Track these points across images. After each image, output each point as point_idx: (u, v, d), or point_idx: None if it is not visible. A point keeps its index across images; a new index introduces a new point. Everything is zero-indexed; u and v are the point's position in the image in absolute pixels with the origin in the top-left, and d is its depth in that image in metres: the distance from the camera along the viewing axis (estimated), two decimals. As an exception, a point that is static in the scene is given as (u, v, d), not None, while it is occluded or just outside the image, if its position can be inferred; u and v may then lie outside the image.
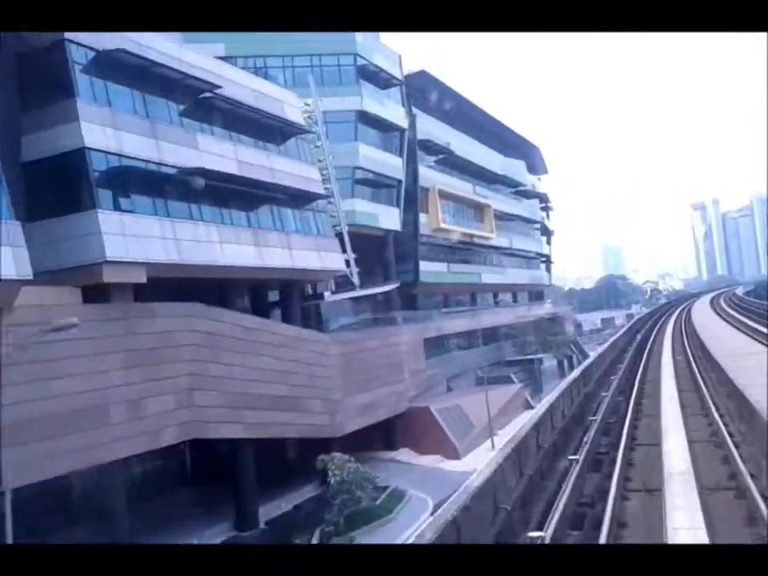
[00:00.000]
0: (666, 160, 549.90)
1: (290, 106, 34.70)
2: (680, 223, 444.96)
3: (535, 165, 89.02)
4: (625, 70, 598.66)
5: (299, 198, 33.31)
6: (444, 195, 57.80)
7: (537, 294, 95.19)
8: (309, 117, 37.37)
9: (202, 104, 28.93)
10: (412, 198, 53.31)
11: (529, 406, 58.35)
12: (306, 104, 37.62)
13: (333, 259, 34.84)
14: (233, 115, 30.65)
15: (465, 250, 63.12)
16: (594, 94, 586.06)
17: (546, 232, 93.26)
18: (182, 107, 28.05)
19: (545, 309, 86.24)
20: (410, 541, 8.91)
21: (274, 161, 32.22)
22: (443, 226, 56.71)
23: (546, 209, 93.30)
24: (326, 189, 36.69)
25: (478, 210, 66.77)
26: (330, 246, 34.71)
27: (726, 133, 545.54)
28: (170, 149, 26.21)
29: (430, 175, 56.25)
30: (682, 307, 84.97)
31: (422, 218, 54.81)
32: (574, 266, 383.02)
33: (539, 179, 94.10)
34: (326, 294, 35.82)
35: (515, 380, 60.23)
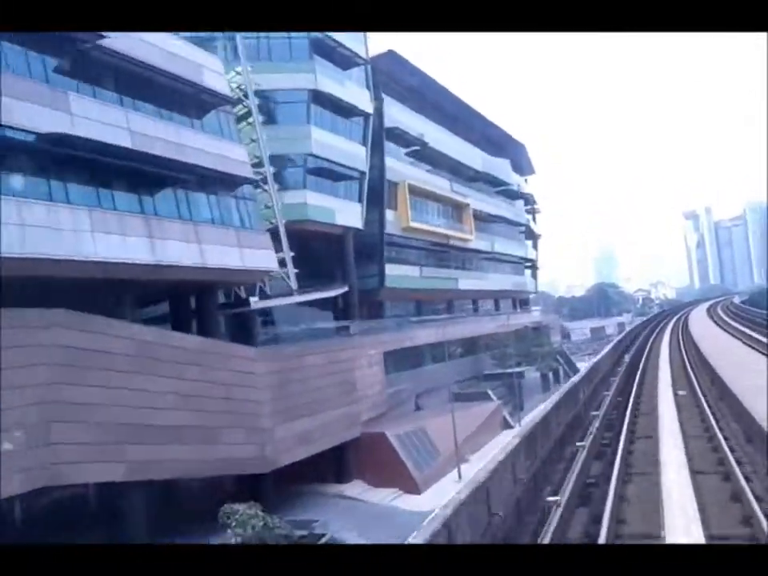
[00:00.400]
0: (658, 168, 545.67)
1: (211, 72, 28.45)
2: (672, 232, 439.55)
3: (521, 164, 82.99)
4: (614, 78, 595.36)
5: (217, 182, 27.08)
6: (415, 191, 51.66)
7: (522, 302, 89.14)
8: (238, 88, 31.19)
9: (81, 58, 22.74)
10: (377, 193, 47.14)
11: (507, 425, 52.24)
12: (237, 72, 31.46)
13: (260, 257, 28.54)
14: (129, 76, 24.48)
15: (440, 253, 56.97)
16: (583, 100, 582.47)
17: (532, 236, 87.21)
18: (50, 59, 21.84)
19: (529, 317, 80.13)
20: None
21: (184, 135, 25.99)
22: (414, 225, 50.53)
23: (532, 211, 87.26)
24: (257, 173, 30.55)
25: (456, 209, 60.65)
26: (256, 242, 28.39)
27: (719, 141, 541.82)
28: (23, 108, 19.95)
29: (399, 168, 50.06)
30: (677, 317, 78.79)
31: (390, 215, 48.63)
32: (566, 273, 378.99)
33: (526, 180, 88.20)
34: (253, 299, 29.47)
35: (493, 396, 54.04)
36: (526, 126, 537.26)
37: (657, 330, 66.95)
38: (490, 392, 54.20)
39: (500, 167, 71.01)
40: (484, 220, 66.23)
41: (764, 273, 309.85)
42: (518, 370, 61.99)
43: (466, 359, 59.31)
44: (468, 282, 61.33)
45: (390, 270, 48.17)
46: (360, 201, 44.34)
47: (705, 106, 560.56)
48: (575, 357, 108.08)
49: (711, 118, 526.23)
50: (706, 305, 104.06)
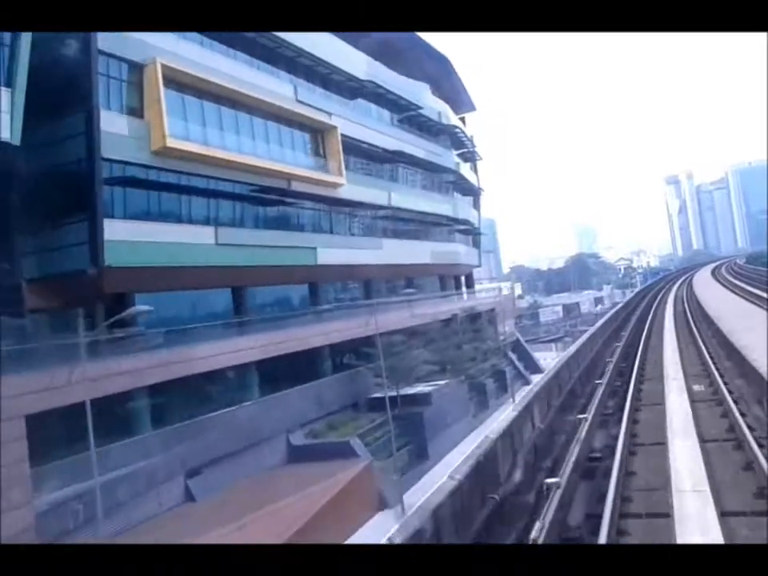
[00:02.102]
0: (638, 133, 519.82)
1: None
2: (654, 198, 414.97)
3: (454, 96, 58.14)
4: (592, 43, 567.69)
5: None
6: (191, 85, 27.16)
7: (467, 279, 64.85)
8: None
9: None
10: (81, 80, 22.66)
11: (383, 504, 27.97)
12: None
13: None
14: None
15: (270, 203, 32.47)
16: (562, 65, 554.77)
17: (471, 190, 62.53)
18: None
19: (466, 302, 55.77)
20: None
21: None
22: (178, 145, 25.81)
23: (469, 157, 62.51)
24: None
25: (311, 133, 36.07)
26: None
27: (699, 104, 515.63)
28: None
29: (144, 37, 25.31)
30: (675, 293, 54.37)
31: (120, 124, 24.15)
32: (548, 245, 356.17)
33: (463, 119, 63.48)
34: None
35: (358, 450, 29.87)
36: (504, 90, 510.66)
37: (654, 308, 42.63)
38: (354, 442, 29.96)
39: (404, 85, 46.04)
40: (371, 157, 41.64)
41: (747, 236, 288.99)
42: (424, 389, 37.82)
43: (341, 376, 35.17)
44: (336, 252, 36.69)
45: (125, 231, 23.69)
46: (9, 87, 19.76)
47: (684, 69, 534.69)
48: (539, 346, 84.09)
49: (691, 83, 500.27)
50: (708, 269, 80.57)
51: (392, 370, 35.25)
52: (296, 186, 33.49)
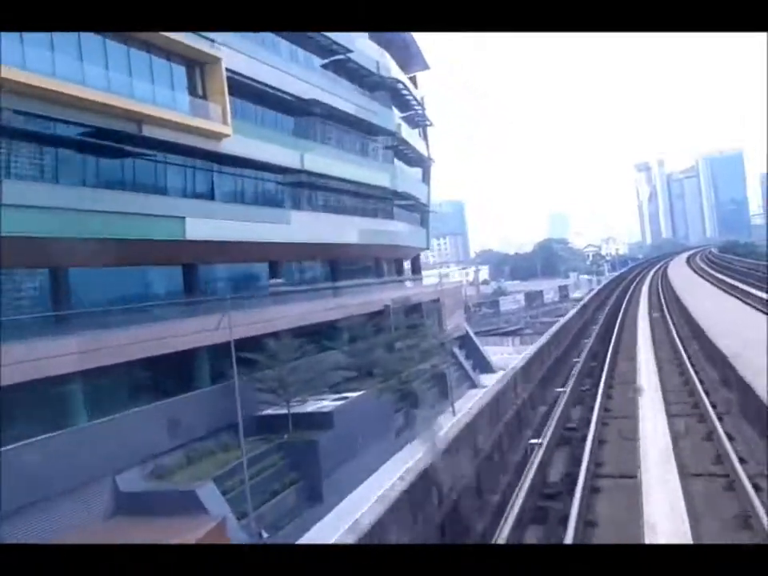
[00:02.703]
0: (611, 119, 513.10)
1: None
2: (625, 185, 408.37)
3: (403, 50, 49.04)
4: (564, 33, 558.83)
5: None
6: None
7: (407, 264, 56.32)
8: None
9: None
10: None
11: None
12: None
13: None
14: None
15: (100, 153, 23.39)
16: (541, 52, 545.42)
17: (419, 160, 53.70)
18: None
19: (403, 290, 47.19)
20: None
21: None
22: None
23: (418, 121, 53.61)
24: None
25: (187, 66, 26.98)
26: None
27: (671, 91, 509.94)
28: None
29: None
30: (648, 288, 45.76)
31: None
32: (520, 229, 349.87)
33: (414, 79, 54.56)
34: None
35: (207, 502, 21.32)
36: (482, 76, 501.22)
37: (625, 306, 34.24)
38: (204, 490, 21.38)
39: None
40: (278, 106, 32.63)
41: (716, 226, 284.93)
42: (326, 405, 29.32)
43: (218, 389, 26.39)
44: (218, 225, 27.59)
45: None
46: None
47: (657, 57, 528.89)
48: (495, 339, 76.01)
49: (662, 70, 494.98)
50: (682, 260, 73.32)
51: (285, 380, 26.61)
52: (152, 132, 24.35)
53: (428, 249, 57.24)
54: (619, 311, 31.19)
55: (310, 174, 34.07)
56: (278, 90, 31.55)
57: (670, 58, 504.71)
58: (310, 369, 27.36)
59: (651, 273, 58.09)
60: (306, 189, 34.72)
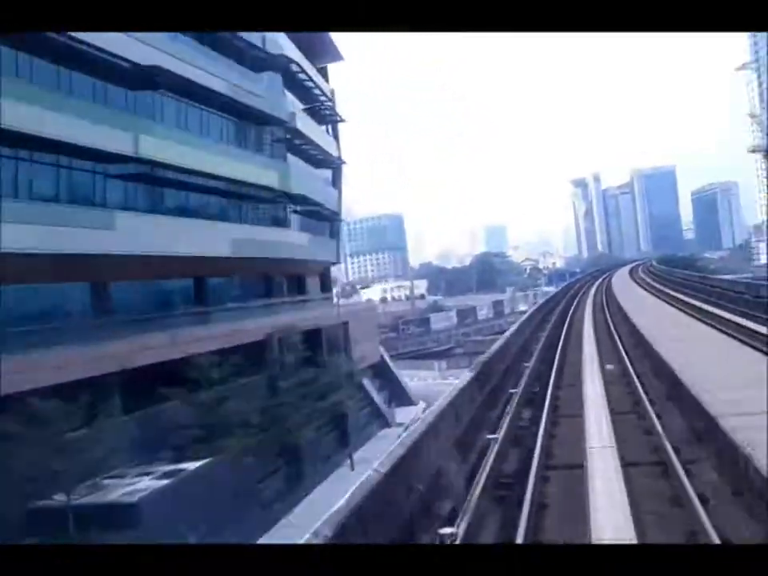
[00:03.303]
0: (550, 135, 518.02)
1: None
2: (562, 201, 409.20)
3: (312, 39, 40.82)
4: (511, 41, 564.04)
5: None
6: None
7: (322, 279, 47.94)
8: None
9: None
10: None
11: None
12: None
13: None
14: None
15: None
16: (481, 64, 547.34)
17: (326, 160, 45.54)
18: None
19: (301, 313, 38.71)
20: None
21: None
22: None
23: (324, 116, 45.56)
24: None
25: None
26: None
27: (607, 107, 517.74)
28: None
29: None
30: (592, 307, 38.13)
31: None
32: (460, 244, 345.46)
33: (324, 71, 46.61)
34: None
35: None
36: (426, 87, 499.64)
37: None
38: None
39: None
40: (106, 73, 24.09)
41: (650, 240, 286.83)
42: (132, 494, 20.47)
43: None
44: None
45: None
46: None
47: (592, 76, 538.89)
48: (420, 364, 68.28)
49: (600, 87, 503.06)
50: (625, 271, 67.51)
51: (58, 458, 17.83)
52: None
53: (338, 263, 48.86)
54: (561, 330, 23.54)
55: (152, 163, 25.46)
56: (97, 48, 22.91)
57: (608, 76, 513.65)
58: (110, 436, 18.66)
59: (593, 292, 51.19)
60: (145, 183, 26.05)
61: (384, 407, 41.96)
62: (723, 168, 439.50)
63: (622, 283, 53.29)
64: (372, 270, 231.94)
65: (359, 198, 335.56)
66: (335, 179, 47.60)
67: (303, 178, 39.69)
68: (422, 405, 48.05)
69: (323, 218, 45.03)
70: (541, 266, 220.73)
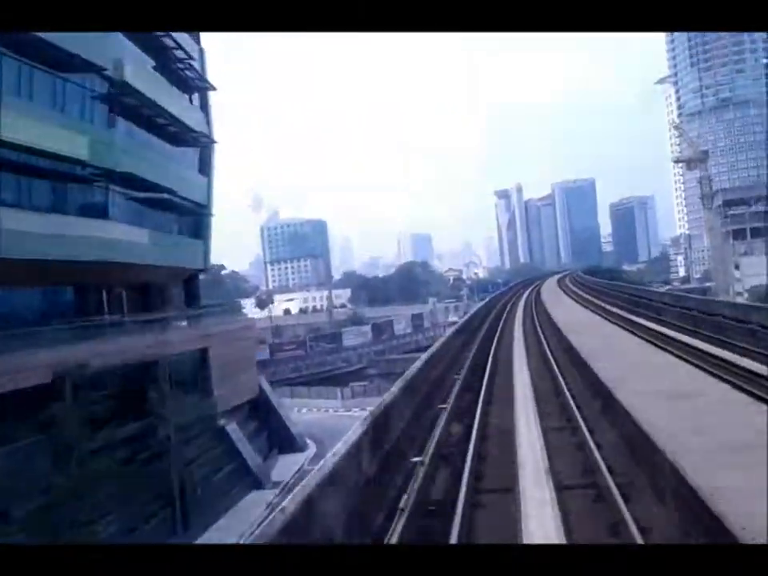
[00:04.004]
0: (473, 146, 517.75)
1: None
2: (486, 211, 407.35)
3: None
4: (431, 55, 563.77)
5: None
6: None
7: (188, 291, 36.95)
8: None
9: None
10: None
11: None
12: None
13: None
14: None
15: None
16: (401, 77, 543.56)
17: (189, 137, 34.63)
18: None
19: (137, 338, 27.56)
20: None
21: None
22: None
23: (189, 82, 34.71)
24: None
25: None
26: None
27: (530, 118, 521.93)
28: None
29: None
30: (522, 331, 28.79)
31: None
32: (388, 252, 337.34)
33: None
34: None
35: None
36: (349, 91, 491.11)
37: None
38: None
39: None
40: None
41: (570, 252, 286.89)
42: None
43: None
44: None
45: None
46: None
47: (514, 88, 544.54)
48: (321, 391, 57.68)
49: (524, 97, 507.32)
50: (553, 282, 59.46)
51: None
52: None
53: (205, 269, 37.78)
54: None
55: None
56: None
57: (533, 88, 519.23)
58: None
59: (521, 307, 42.01)
60: None
61: (256, 461, 31.23)
62: (640, 182, 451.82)
63: (554, 300, 44.28)
64: (293, 278, 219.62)
65: (282, 203, 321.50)
66: (204, 163, 36.69)
67: (140, 154, 28.63)
68: (312, 450, 37.65)
69: (183, 211, 34.06)
70: (464, 276, 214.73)
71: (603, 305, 36.34)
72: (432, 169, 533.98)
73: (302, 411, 50.75)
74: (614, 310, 32.38)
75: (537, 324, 28.86)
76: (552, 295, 49.89)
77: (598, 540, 6.55)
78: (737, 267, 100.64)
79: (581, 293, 50.59)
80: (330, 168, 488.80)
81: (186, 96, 35.21)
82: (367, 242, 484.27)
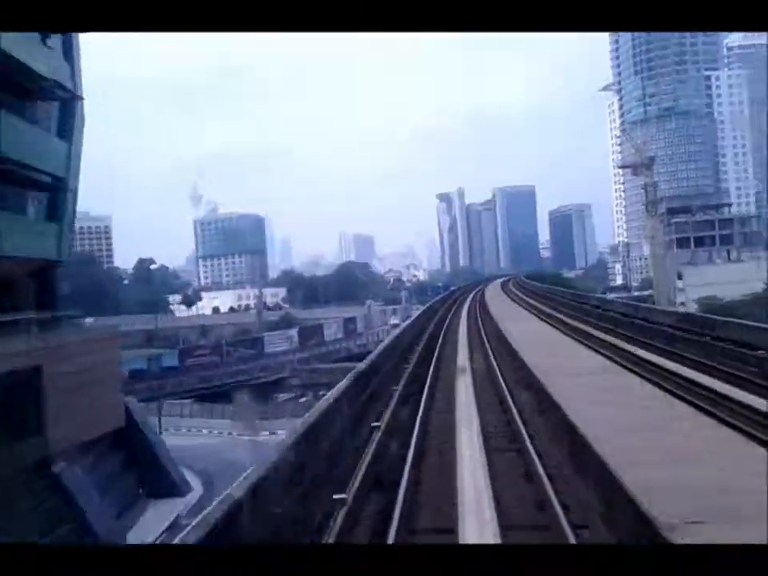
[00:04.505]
0: (416, 149, 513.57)
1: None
2: (428, 214, 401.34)
3: None
4: (383, 55, 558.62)
5: None
6: None
7: (43, 291, 28.15)
8: None
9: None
10: None
11: None
12: None
13: None
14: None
15: None
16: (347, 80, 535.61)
17: (42, 88, 26.19)
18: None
19: None
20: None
21: None
22: None
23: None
24: None
25: None
26: None
27: (473, 122, 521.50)
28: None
29: None
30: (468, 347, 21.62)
31: None
32: (330, 252, 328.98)
33: None
34: None
35: None
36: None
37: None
38: None
39: None
40: None
41: (510, 257, 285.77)
42: None
43: None
44: None
45: None
46: None
47: (459, 93, 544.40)
48: (221, 413, 49.17)
49: (466, 103, 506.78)
50: (497, 288, 53.25)
51: None
52: None
53: (60, 260, 29.04)
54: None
55: None
56: None
57: (477, 93, 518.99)
58: None
59: (464, 317, 34.89)
60: None
61: (103, 518, 22.90)
62: (579, 190, 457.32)
63: (503, 308, 37.40)
64: (227, 275, 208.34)
65: (222, 197, 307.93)
66: (64, 124, 28.14)
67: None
68: (196, 492, 29.61)
69: (26, 185, 25.49)
70: (405, 278, 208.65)
71: (559, 316, 29.89)
72: (377, 168, 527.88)
73: (201, 432, 42.55)
74: (575, 323, 25.98)
75: (485, 340, 21.86)
76: (499, 302, 43.16)
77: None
78: (680, 277, 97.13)
79: (530, 300, 44.13)
80: (273, 164, 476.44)
81: (37, 36, 26.59)
82: (309, 241, 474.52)
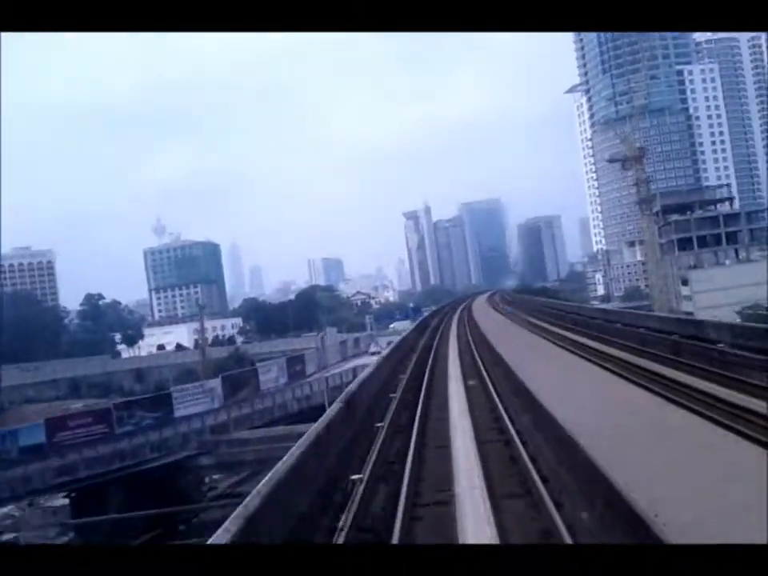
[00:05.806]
0: (380, 167, 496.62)
1: None
2: (396, 234, 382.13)
3: None
4: (346, 70, 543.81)
5: None
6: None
7: None
8: None
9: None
10: None
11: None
12: None
13: None
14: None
15: None
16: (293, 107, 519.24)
17: None
18: None
19: None
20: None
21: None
22: None
23: None
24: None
25: None
26: None
27: (439, 137, 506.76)
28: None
29: None
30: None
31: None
32: (300, 278, 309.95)
33: None
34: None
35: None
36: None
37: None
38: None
39: None
40: None
41: (480, 272, 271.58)
42: None
43: None
44: None
45: None
46: None
47: (424, 108, 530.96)
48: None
49: (431, 118, 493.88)
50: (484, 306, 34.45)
51: None
52: None
53: None
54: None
55: None
56: None
57: (439, 108, 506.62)
58: None
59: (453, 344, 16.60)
60: None
61: None
62: (549, 199, 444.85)
63: (503, 337, 19.33)
64: (183, 308, 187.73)
65: (187, 229, 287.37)
66: None
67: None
68: None
69: None
70: (373, 300, 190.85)
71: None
72: (343, 190, 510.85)
73: None
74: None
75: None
76: (493, 325, 25.16)
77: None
78: (685, 282, 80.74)
79: (533, 320, 26.20)
80: (237, 193, 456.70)
81: None
82: (280, 268, 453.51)
